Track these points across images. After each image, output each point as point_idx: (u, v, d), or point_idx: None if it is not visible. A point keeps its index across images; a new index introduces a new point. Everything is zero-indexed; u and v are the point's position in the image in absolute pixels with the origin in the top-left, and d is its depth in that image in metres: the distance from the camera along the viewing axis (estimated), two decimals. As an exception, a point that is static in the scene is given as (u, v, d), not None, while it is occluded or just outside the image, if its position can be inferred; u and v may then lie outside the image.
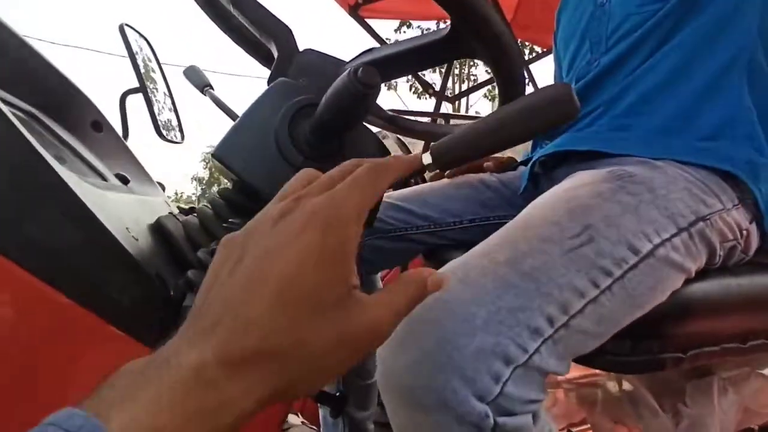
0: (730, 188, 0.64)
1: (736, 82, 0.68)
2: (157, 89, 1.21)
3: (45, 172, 0.35)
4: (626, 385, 0.85)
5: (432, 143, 0.42)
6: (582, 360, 0.58)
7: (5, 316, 0.33)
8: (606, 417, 0.93)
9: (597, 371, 1.02)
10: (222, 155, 0.53)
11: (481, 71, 19.53)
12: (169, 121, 1.22)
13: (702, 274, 0.62)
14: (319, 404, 1.04)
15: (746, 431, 0.88)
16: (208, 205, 0.59)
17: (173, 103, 1.25)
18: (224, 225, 0.50)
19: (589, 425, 1.07)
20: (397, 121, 0.86)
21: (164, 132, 1.14)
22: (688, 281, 0.60)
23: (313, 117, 0.52)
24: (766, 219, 0.66)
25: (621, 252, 0.52)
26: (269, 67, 0.72)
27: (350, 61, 0.65)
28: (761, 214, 0.65)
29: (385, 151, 0.61)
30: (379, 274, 1.02)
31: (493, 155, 1.04)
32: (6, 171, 0.34)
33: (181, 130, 1.25)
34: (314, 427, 1.14)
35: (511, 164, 1.01)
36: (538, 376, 0.48)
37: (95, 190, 0.41)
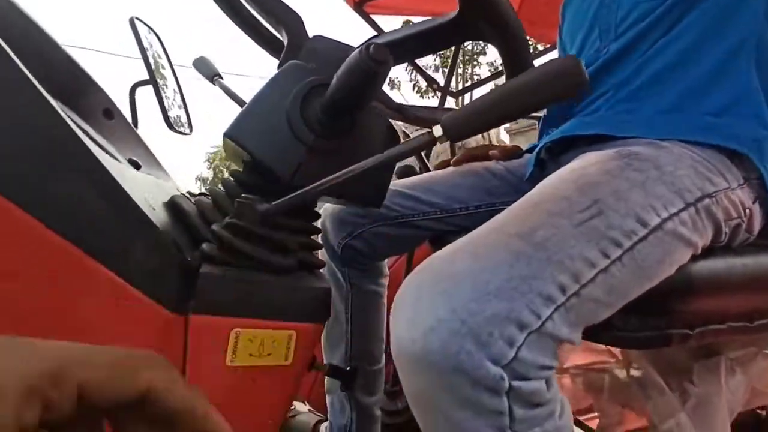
0: (735, 167, 0.64)
1: (744, 65, 0.69)
2: (167, 85, 1.22)
3: (70, 138, 0.36)
4: (634, 369, 0.86)
5: (443, 117, 0.43)
6: (591, 336, 0.59)
7: (32, 274, 0.34)
8: (613, 402, 0.94)
9: (604, 357, 1.04)
10: (235, 135, 0.54)
11: (484, 71, 19.53)
12: (179, 117, 1.24)
13: (708, 252, 0.62)
14: (327, 392, 1.05)
15: (753, 413, 0.88)
16: (220, 186, 0.60)
17: (182, 97, 1.27)
18: (237, 200, 0.51)
19: (595, 413, 1.08)
20: (404, 111, 0.87)
21: (173, 124, 1.15)
22: (694, 258, 0.60)
23: (324, 96, 0.54)
24: None
25: (630, 224, 0.53)
26: (279, 59, 0.73)
27: (359, 46, 0.66)
28: (766, 192, 0.66)
29: (393, 133, 0.62)
30: (386, 261, 1.03)
31: (498, 145, 1.06)
32: (33, 135, 0.35)
33: (189, 123, 1.26)
34: (321, 414, 1.15)
35: (516, 152, 1.02)
36: (552, 343, 0.49)
37: (114, 162, 0.42)
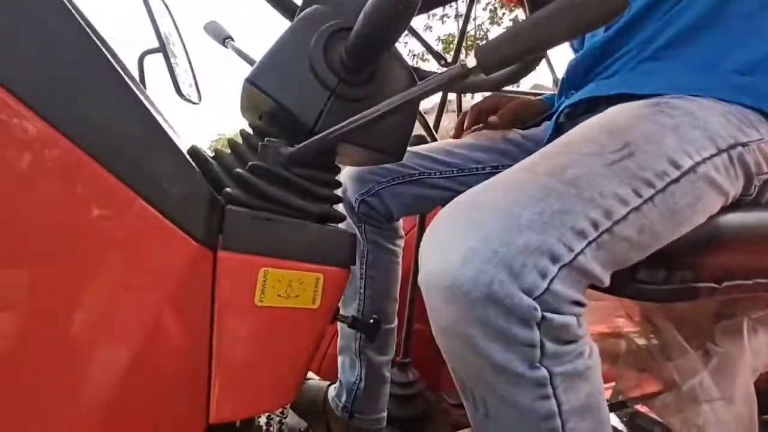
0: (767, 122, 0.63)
1: None
2: (177, 64, 1.21)
3: (104, 64, 0.35)
4: (653, 333, 0.85)
5: (476, 47, 0.42)
6: (617, 289, 0.58)
7: (66, 194, 0.33)
8: (630, 367, 0.93)
9: (620, 323, 1.03)
10: (257, 80, 0.53)
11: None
12: (189, 87, 1.23)
13: (737, 205, 0.61)
14: (339, 352, 1.05)
15: None
16: (238, 137, 0.59)
17: (192, 69, 1.26)
18: (261, 143, 0.50)
19: (611, 384, 1.07)
20: (419, 73, 0.86)
21: (183, 92, 1.14)
22: (723, 210, 0.59)
23: (347, 40, 0.52)
24: None
25: (662, 165, 0.52)
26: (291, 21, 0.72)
27: None
28: None
29: (413, 79, 0.61)
30: (401, 222, 1.02)
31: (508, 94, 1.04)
32: (67, 54, 0.34)
33: (198, 93, 1.25)
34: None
35: (528, 108, 0.99)
36: (583, 279, 0.48)
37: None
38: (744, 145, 0.58)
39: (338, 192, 0.66)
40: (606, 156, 0.51)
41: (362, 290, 0.98)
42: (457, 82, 0.43)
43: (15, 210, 0.33)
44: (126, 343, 0.38)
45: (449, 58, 1.73)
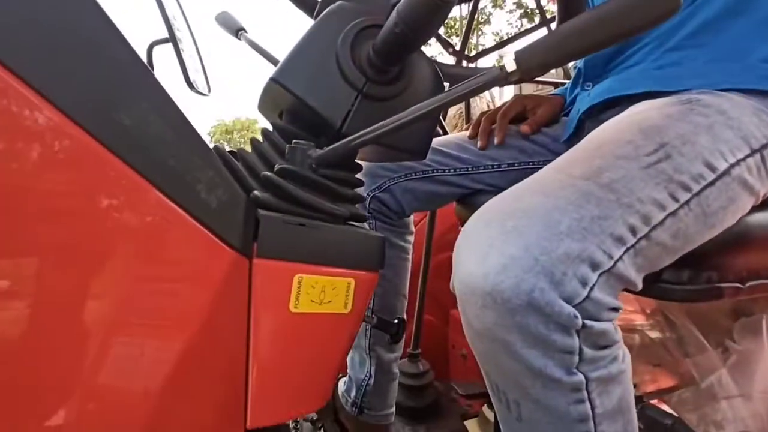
0: None
1: None
2: (184, 50, 1.19)
3: (137, 66, 0.35)
4: (669, 328, 0.85)
5: (516, 51, 0.41)
6: (642, 290, 0.58)
7: (101, 203, 0.33)
8: (643, 361, 0.93)
9: (633, 318, 1.03)
10: (283, 79, 0.52)
11: (489, 41, 19.15)
12: (195, 81, 1.21)
13: (764, 205, 0.61)
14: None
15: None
16: (259, 138, 0.58)
17: (201, 59, 1.24)
18: (289, 146, 0.49)
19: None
20: (439, 67, 0.84)
21: (193, 83, 1.13)
22: (751, 210, 0.59)
23: (376, 37, 0.51)
24: None
25: (698, 168, 0.51)
26: (311, 16, 0.70)
27: None
28: None
29: (440, 81, 0.60)
30: (412, 217, 1.02)
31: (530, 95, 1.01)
32: (102, 60, 0.33)
33: (208, 84, 1.24)
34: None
35: (553, 114, 0.97)
36: (619, 285, 0.48)
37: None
38: None
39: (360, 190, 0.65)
40: (642, 159, 0.51)
41: None
42: (496, 85, 0.42)
43: (57, 216, 0.33)
44: (164, 352, 0.37)
45: (452, 43, 1.71)
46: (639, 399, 0.96)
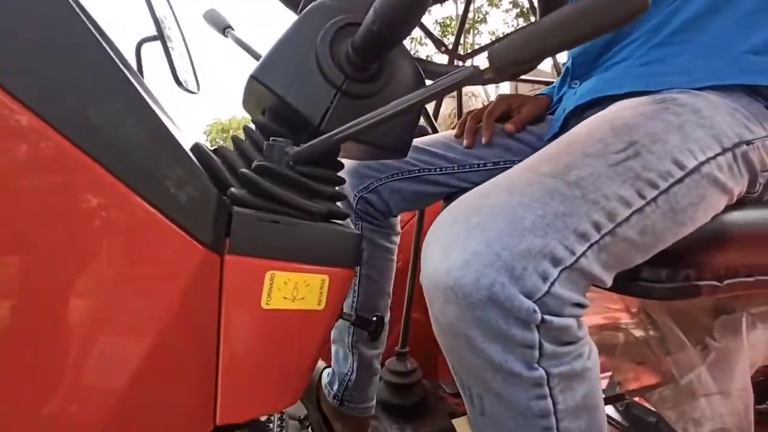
0: None
1: None
2: (173, 48, 1.19)
3: (110, 66, 0.35)
4: (651, 326, 0.86)
5: (490, 48, 0.41)
6: (620, 287, 0.58)
7: (70, 201, 0.33)
8: (627, 360, 0.94)
9: (617, 315, 1.04)
10: (262, 76, 0.52)
11: (485, 40, 19.16)
12: (185, 80, 1.21)
13: (741, 204, 0.61)
14: (332, 342, 1.06)
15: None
16: (241, 135, 0.58)
17: (190, 57, 1.24)
18: (267, 143, 0.49)
19: (607, 374, 1.09)
20: (422, 64, 0.84)
21: (182, 81, 1.12)
22: (727, 209, 0.59)
23: (355, 35, 0.51)
24: None
25: (666, 166, 0.52)
26: (297, 13, 0.70)
27: None
28: None
29: (421, 78, 0.60)
30: (399, 218, 1.02)
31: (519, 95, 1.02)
32: (72, 58, 0.33)
33: (197, 82, 1.23)
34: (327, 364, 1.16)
35: (539, 113, 0.98)
36: (584, 281, 0.49)
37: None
38: (749, 143, 0.57)
39: (341, 188, 0.65)
40: (610, 156, 0.51)
41: (356, 287, 0.98)
42: (470, 83, 0.42)
43: (23, 214, 0.33)
44: (134, 347, 0.37)
45: (446, 42, 1.71)
46: (621, 396, 0.96)
